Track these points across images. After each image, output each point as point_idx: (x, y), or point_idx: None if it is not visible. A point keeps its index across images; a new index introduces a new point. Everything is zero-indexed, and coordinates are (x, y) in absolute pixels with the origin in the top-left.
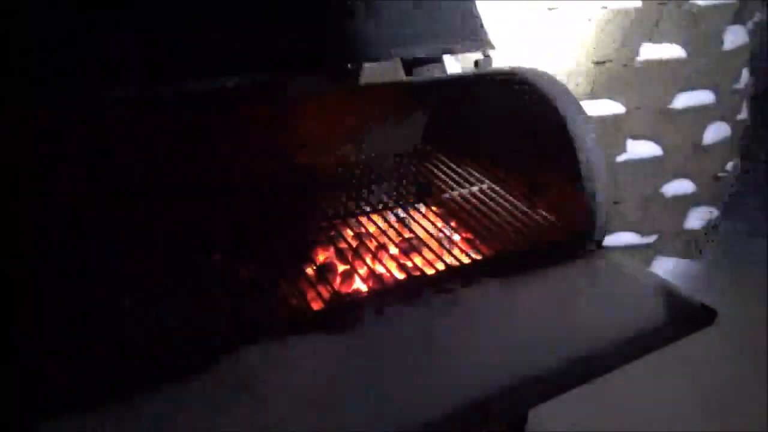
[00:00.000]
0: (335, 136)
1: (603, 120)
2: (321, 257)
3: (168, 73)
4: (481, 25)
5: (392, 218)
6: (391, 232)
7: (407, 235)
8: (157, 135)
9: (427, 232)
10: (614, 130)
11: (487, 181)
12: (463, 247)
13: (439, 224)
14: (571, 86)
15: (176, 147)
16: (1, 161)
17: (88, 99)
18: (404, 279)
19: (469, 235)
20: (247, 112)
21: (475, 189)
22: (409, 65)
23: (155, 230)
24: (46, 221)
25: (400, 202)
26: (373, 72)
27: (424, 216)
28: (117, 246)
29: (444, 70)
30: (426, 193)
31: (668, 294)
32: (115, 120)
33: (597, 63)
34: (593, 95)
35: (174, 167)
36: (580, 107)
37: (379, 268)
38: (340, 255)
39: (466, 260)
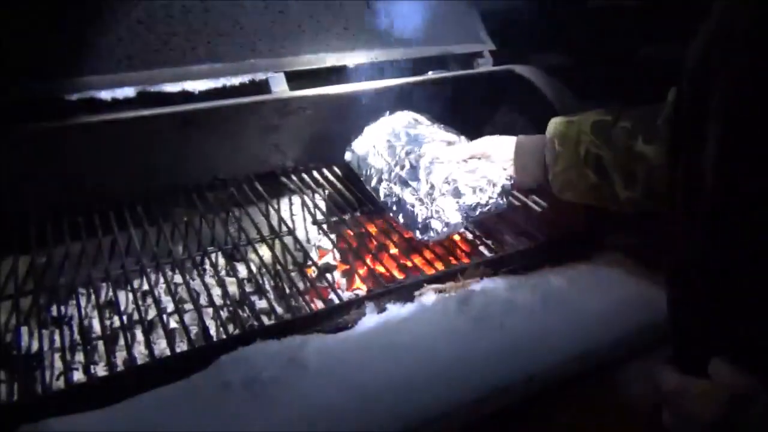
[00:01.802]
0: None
1: None
2: (321, 257)
3: None
4: (481, 26)
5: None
6: (392, 233)
7: (408, 235)
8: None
9: None
10: None
11: None
12: (464, 248)
13: None
14: None
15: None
16: None
17: None
18: (404, 279)
19: (468, 235)
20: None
21: None
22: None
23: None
24: None
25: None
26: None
27: None
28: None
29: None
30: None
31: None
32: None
33: None
34: None
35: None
36: (577, 105)
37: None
38: (340, 255)
39: (466, 260)
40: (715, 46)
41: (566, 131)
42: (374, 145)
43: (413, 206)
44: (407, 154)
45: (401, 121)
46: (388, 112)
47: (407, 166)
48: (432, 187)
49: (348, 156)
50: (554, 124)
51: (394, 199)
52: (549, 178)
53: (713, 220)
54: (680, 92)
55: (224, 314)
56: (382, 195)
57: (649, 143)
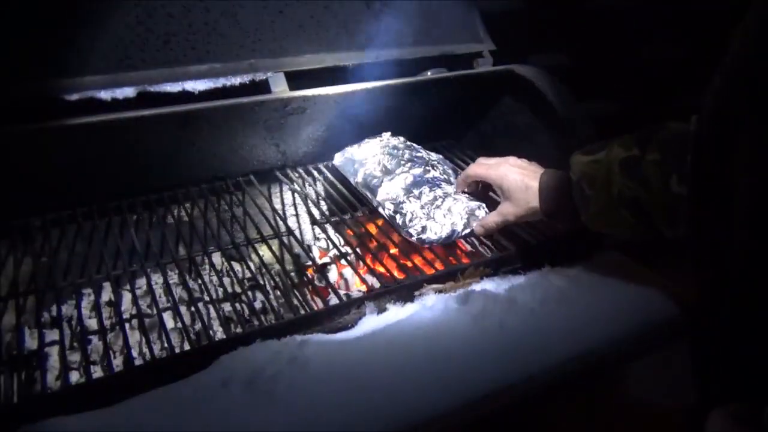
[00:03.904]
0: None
1: None
2: (321, 257)
3: None
4: (481, 26)
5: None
6: (392, 232)
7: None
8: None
9: None
10: None
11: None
12: (464, 248)
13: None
14: None
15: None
16: None
17: None
18: (404, 279)
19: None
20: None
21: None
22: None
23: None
24: None
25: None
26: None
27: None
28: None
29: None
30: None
31: (667, 294)
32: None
33: None
34: None
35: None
36: (577, 105)
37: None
38: (340, 255)
39: (466, 260)
40: (735, 93)
41: (594, 173)
42: (374, 154)
43: (413, 212)
44: (410, 168)
45: (398, 142)
46: (386, 133)
47: (411, 178)
48: (435, 198)
49: (339, 159)
50: (579, 164)
51: (394, 203)
52: (582, 219)
53: (745, 280)
54: (698, 145)
55: (224, 314)
56: (380, 196)
57: (685, 184)
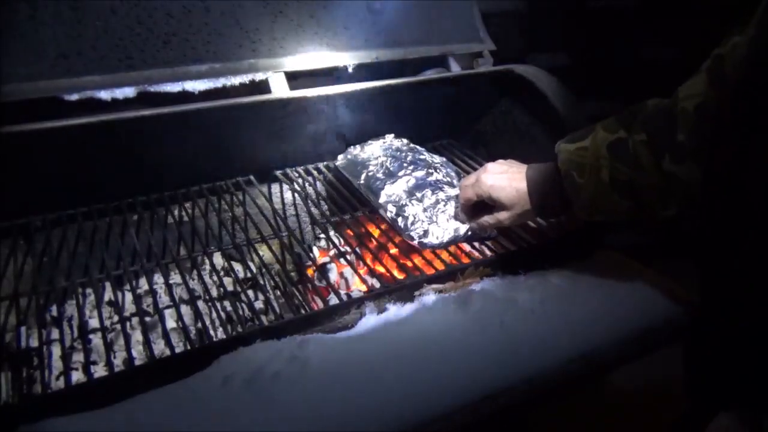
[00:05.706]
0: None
1: None
2: (321, 257)
3: None
4: (481, 26)
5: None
6: (392, 232)
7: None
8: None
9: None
10: None
11: None
12: (463, 248)
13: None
14: None
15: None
16: None
17: None
18: (404, 279)
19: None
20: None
21: None
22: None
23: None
24: None
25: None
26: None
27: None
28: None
29: (447, 69)
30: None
31: (667, 294)
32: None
33: None
34: None
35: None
36: (577, 105)
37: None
38: (340, 255)
39: (466, 260)
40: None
41: (582, 161)
42: (377, 156)
43: (416, 215)
44: (413, 171)
45: (400, 144)
46: (389, 135)
47: (414, 181)
48: (437, 201)
49: (341, 160)
50: (566, 153)
51: (396, 205)
52: (575, 209)
53: (751, 276)
54: (722, 111)
55: (224, 314)
56: (383, 198)
57: (678, 163)
